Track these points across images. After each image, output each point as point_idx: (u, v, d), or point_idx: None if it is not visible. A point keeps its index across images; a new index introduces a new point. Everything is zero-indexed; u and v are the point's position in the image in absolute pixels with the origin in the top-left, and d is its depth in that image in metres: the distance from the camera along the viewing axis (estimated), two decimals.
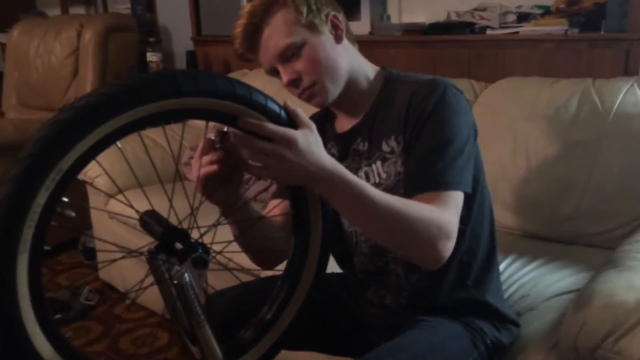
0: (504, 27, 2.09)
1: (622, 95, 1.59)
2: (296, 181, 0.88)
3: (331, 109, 1.18)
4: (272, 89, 2.13)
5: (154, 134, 2.41)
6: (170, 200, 0.98)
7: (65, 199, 0.74)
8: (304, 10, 1.04)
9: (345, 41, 1.10)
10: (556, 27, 1.94)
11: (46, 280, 2.57)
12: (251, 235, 1.09)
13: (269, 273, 1.64)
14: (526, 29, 2.01)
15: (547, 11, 2.05)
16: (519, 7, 2.13)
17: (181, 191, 0.95)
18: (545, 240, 1.65)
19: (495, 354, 1.11)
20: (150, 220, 0.97)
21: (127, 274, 2.33)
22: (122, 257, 1.05)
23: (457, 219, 0.96)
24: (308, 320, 1.05)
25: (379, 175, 1.09)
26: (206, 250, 0.88)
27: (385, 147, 1.08)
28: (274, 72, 1.08)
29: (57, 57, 3.04)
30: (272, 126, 0.82)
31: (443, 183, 0.97)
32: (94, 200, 2.38)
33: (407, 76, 1.12)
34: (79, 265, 2.71)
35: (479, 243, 1.12)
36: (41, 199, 0.69)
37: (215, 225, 0.94)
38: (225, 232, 1.02)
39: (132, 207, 0.97)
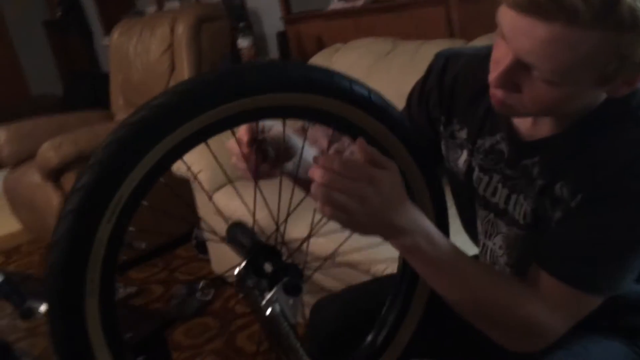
0: None
1: None
2: (368, 230, 0.73)
3: None
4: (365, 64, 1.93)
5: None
6: (254, 210, 0.86)
7: (132, 229, 0.65)
8: (630, 57, 0.64)
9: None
10: None
11: (164, 276, 2.62)
12: None
13: (379, 270, 1.51)
14: None
15: None
16: None
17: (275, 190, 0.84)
18: None
19: None
20: (237, 235, 0.87)
21: None
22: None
23: (571, 324, 0.77)
24: (427, 334, 0.90)
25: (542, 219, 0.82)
26: (298, 272, 0.76)
27: (557, 191, 0.77)
28: (500, 49, 0.72)
29: (154, 55, 3.07)
30: (356, 164, 0.70)
31: (587, 284, 0.74)
32: (199, 195, 2.36)
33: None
34: (194, 259, 2.74)
35: None
36: (103, 233, 0.60)
37: (307, 238, 0.82)
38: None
39: (221, 214, 0.87)
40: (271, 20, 3.21)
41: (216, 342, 2.09)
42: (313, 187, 0.69)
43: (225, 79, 0.64)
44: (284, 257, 0.79)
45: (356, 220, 0.69)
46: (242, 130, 0.84)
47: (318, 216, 0.72)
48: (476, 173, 0.91)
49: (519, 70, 0.69)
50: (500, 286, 0.77)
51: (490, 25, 0.77)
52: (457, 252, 0.76)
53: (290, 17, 2.98)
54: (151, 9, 4.01)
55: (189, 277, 2.60)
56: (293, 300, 0.73)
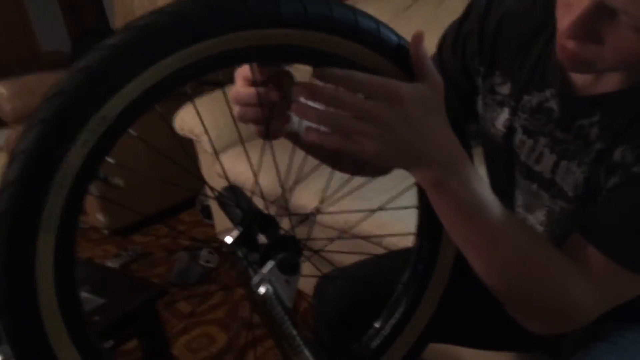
0: None
1: None
2: (395, 161, 0.57)
3: None
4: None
5: None
6: (256, 175, 0.74)
7: (111, 160, 0.51)
8: None
9: None
10: None
11: (167, 241, 2.53)
12: None
13: (391, 243, 1.39)
14: None
15: None
16: None
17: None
18: None
19: None
20: (229, 201, 0.74)
21: None
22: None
23: (609, 307, 0.64)
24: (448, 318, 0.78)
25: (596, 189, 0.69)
26: (297, 247, 0.63)
27: (617, 156, 0.65)
28: None
29: (159, 4, 2.92)
30: (363, 75, 0.53)
31: (633, 262, 0.62)
32: (204, 158, 2.25)
33: None
34: (199, 224, 2.64)
35: None
36: (75, 158, 0.47)
37: (314, 214, 0.70)
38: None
39: (207, 184, 0.75)
40: None
41: (218, 312, 2.00)
42: (313, 114, 0.54)
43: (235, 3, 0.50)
44: (287, 228, 0.67)
45: (376, 151, 0.54)
46: (246, 73, 0.66)
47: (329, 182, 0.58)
48: (519, 136, 0.77)
49: (600, 16, 0.55)
50: (538, 251, 0.63)
51: None
52: (492, 200, 0.61)
53: None
54: None
55: (193, 243, 2.51)
56: (289, 280, 0.60)
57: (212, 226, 2.51)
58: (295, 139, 0.73)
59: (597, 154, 0.67)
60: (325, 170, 0.80)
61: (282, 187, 0.70)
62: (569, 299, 0.63)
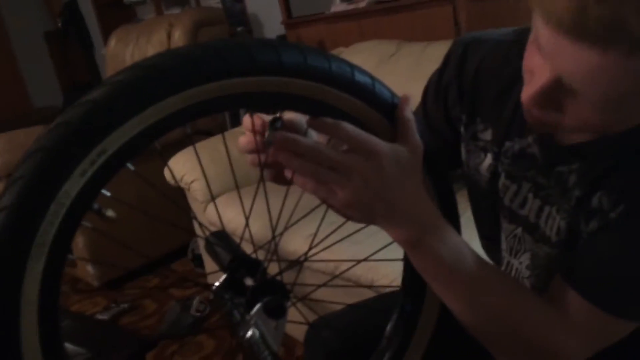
0: None
1: None
2: (364, 217, 0.58)
3: None
4: (368, 67, 1.81)
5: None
6: (247, 218, 0.75)
7: (107, 193, 0.52)
8: None
9: None
10: None
11: (158, 291, 2.50)
12: None
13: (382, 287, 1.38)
14: None
15: None
16: None
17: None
18: None
19: None
20: (217, 246, 0.75)
21: None
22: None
23: (592, 352, 0.64)
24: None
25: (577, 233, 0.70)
26: (284, 291, 0.63)
27: (595, 202, 0.66)
28: (533, 53, 0.58)
29: None
30: (350, 126, 0.55)
31: (621, 308, 0.62)
32: (194, 206, 2.25)
33: None
34: (191, 273, 2.62)
35: None
36: (72, 186, 0.47)
37: (302, 260, 0.70)
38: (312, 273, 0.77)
39: (200, 225, 0.75)
40: (272, 24, 3.12)
41: None
42: (292, 163, 0.56)
43: (209, 55, 0.52)
44: (274, 273, 0.67)
45: (345, 200, 0.56)
46: (250, 122, 0.66)
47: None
48: (502, 180, 0.78)
49: (559, 89, 0.56)
50: (519, 299, 0.64)
51: (499, 25, 0.66)
52: (470, 253, 0.63)
53: (290, 21, 2.88)
54: (151, 16, 3.93)
55: (184, 292, 2.48)
56: (276, 324, 0.60)
57: (204, 275, 2.49)
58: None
59: (577, 200, 0.68)
60: (317, 215, 0.81)
61: (273, 232, 0.71)
62: (553, 345, 0.63)
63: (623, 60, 0.49)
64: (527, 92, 0.59)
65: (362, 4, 2.47)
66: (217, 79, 0.52)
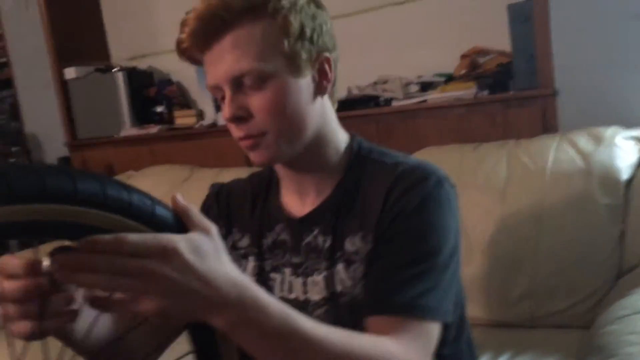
0: (409, 97, 1.96)
1: (552, 152, 1.46)
2: (184, 313, 0.55)
3: (277, 174, 0.90)
4: (161, 192, 1.78)
5: None
6: None
7: None
8: (295, 33, 0.76)
9: (325, 97, 0.83)
10: (464, 91, 1.83)
11: None
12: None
13: None
14: (433, 96, 1.89)
15: (450, 78, 1.96)
16: (419, 77, 2.03)
17: None
18: (502, 327, 1.43)
19: None
20: None
21: None
22: None
23: (428, 357, 0.71)
24: None
25: (342, 282, 0.81)
26: None
27: (349, 247, 0.81)
28: (216, 92, 0.80)
29: None
30: (134, 236, 0.52)
31: (416, 308, 0.71)
32: None
33: (384, 154, 0.85)
34: None
35: None
36: None
37: None
38: None
39: None
40: (53, 145, 2.93)
41: None
42: (92, 281, 0.51)
43: None
44: None
45: (158, 307, 0.52)
46: (5, 267, 0.58)
47: None
48: (269, 276, 0.88)
49: (237, 93, 0.77)
50: (353, 343, 0.64)
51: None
52: (291, 312, 0.60)
53: (75, 142, 2.74)
54: None
55: None
56: None
57: None
58: (68, 337, 0.67)
59: (329, 252, 0.82)
60: None
61: None
62: None
63: (236, 34, 0.75)
64: (224, 113, 0.78)
65: (153, 130, 2.48)
66: None
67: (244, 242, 0.90)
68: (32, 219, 0.49)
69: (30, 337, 0.58)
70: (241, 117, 0.77)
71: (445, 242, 0.76)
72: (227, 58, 0.75)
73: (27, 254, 0.60)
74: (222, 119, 0.83)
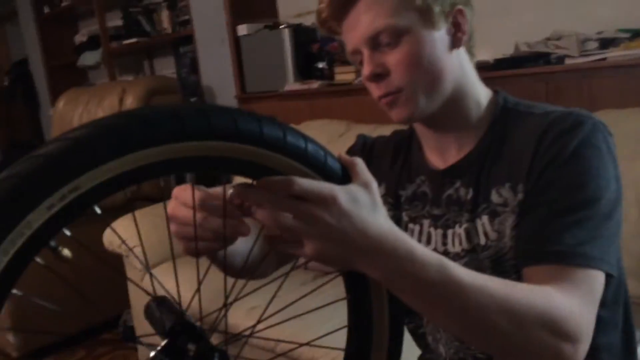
0: (586, 55, 1.80)
1: None
2: (340, 259, 0.58)
3: (417, 133, 0.91)
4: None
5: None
6: (177, 284, 0.73)
7: (68, 233, 0.51)
8: None
9: (462, 49, 0.83)
10: None
11: None
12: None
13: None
14: (615, 54, 1.71)
15: (636, 34, 1.76)
16: (599, 32, 1.84)
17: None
18: None
19: None
20: (156, 312, 0.72)
21: None
22: None
23: (594, 310, 0.66)
24: None
25: (485, 234, 0.81)
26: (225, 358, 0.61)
27: (495, 198, 0.80)
28: (356, 57, 0.83)
29: None
30: (302, 180, 0.55)
31: (579, 256, 0.67)
32: (132, 274, 2.17)
33: (531, 106, 0.83)
34: (121, 347, 2.48)
35: (614, 333, 0.80)
36: (36, 218, 0.45)
37: (248, 335, 0.69)
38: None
39: (147, 292, 0.73)
40: (225, 98, 3.17)
41: None
42: (264, 215, 0.56)
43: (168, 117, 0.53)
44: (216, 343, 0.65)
45: (316, 250, 0.56)
46: (182, 195, 0.66)
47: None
48: (406, 226, 0.90)
49: (374, 53, 0.79)
50: (510, 291, 0.62)
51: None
52: (448, 264, 0.60)
53: (244, 96, 2.94)
54: (104, 81, 3.93)
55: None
56: None
57: (135, 349, 2.36)
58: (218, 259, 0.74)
59: (472, 204, 0.82)
60: (261, 289, 0.80)
61: (226, 300, 0.69)
62: (558, 325, 0.61)
63: None
64: (363, 72, 0.81)
65: (314, 85, 2.57)
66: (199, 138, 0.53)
67: (380, 191, 0.88)
68: (224, 156, 0.56)
69: (193, 253, 0.67)
70: (379, 74, 0.80)
71: (606, 189, 0.71)
72: (363, 20, 0.79)
73: (216, 189, 0.67)
74: (362, 80, 0.85)
